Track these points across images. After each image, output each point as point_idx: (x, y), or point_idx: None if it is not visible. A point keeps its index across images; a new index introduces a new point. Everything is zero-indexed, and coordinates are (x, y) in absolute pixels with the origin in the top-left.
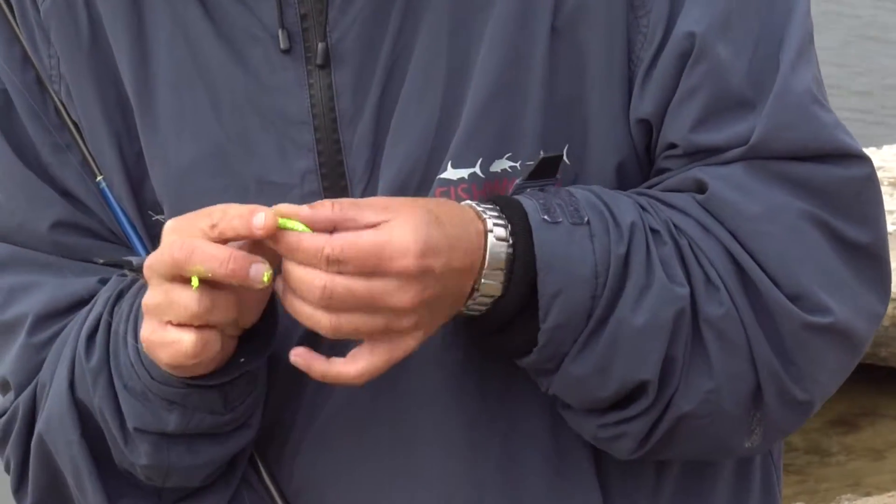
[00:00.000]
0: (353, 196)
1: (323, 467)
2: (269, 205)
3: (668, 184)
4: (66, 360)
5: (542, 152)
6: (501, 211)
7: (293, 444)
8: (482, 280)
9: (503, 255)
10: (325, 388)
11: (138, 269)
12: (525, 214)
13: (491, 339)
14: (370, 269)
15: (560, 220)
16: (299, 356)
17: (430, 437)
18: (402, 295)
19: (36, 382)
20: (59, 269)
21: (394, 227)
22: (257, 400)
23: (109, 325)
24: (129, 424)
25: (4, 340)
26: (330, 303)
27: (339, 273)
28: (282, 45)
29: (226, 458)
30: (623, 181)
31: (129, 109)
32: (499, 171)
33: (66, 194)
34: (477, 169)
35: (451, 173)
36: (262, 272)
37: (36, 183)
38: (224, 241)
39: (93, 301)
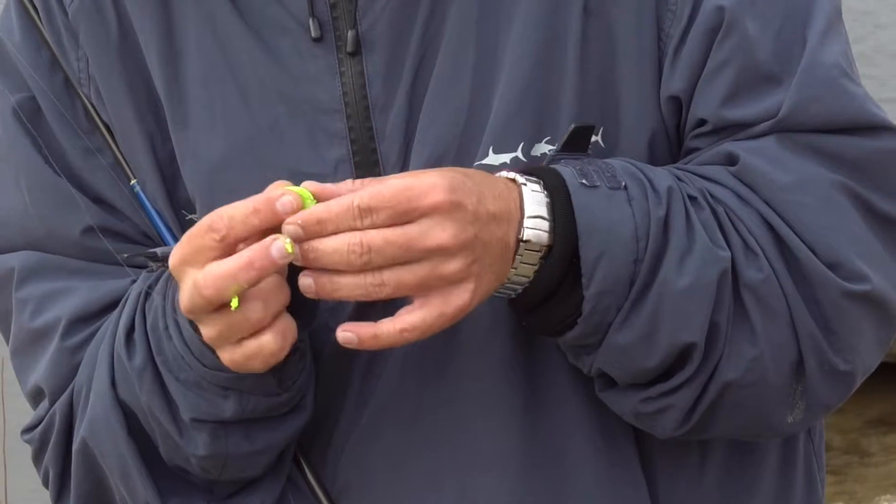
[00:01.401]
0: None
1: (370, 462)
2: None
3: (699, 160)
4: (105, 362)
5: (572, 124)
6: (536, 176)
7: (338, 441)
8: (525, 228)
9: (543, 204)
10: (371, 381)
11: (163, 259)
12: (562, 179)
13: (534, 316)
14: (402, 211)
15: (598, 184)
16: (346, 329)
17: (480, 425)
18: (439, 232)
19: (72, 388)
20: (91, 274)
21: (415, 174)
22: (309, 378)
23: (144, 320)
24: (186, 416)
25: (37, 348)
26: (369, 259)
27: (374, 226)
28: (313, 34)
29: (283, 444)
30: (654, 160)
31: (160, 108)
32: (539, 154)
33: (97, 199)
34: (519, 153)
35: (492, 158)
36: (282, 247)
37: (66, 188)
38: (237, 243)
39: (123, 300)
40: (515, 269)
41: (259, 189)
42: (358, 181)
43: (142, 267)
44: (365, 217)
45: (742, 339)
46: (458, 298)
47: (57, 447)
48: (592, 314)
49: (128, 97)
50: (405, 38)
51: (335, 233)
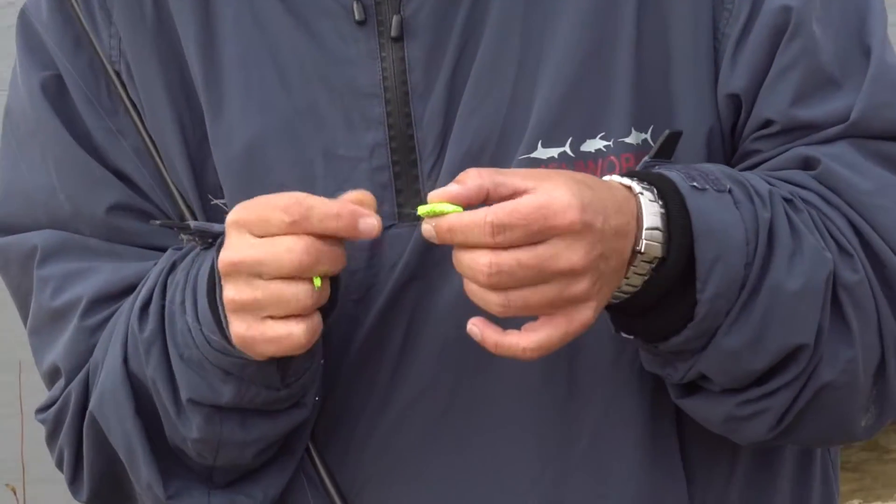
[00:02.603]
0: (422, 171)
1: (395, 457)
2: (337, 179)
3: (772, 164)
4: (120, 335)
5: (667, 130)
6: (645, 181)
7: (362, 434)
8: (643, 241)
9: (658, 215)
10: (402, 374)
11: (196, 232)
12: (672, 184)
13: (637, 322)
14: (536, 230)
15: (706, 187)
16: (475, 325)
17: (515, 421)
18: (570, 254)
19: (88, 367)
20: (114, 255)
21: (548, 188)
22: (313, 378)
23: (163, 295)
24: (184, 395)
25: (56, 327)
26: (499, 279)
27: (506, 243)
28: (357, 17)
29: (277, 437)
30: (711, 157)
31: (192, 92)
32: (592, 150)
33: (121, 177)
34: (567, 148)
35: (540, 152)
36: (371, 224)
37: (92, 166)
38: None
39: (146, 276)
40: (627, 278)
41: (294, 170)
42: (484, 171)
43: (162, 250)
44: (498, 234)
45: (839, 340)
46: (582, 316)
47: (71, 426)
48: (704, 318)
49: (160, 78)
50: (448, 25)
51: (465, 243)
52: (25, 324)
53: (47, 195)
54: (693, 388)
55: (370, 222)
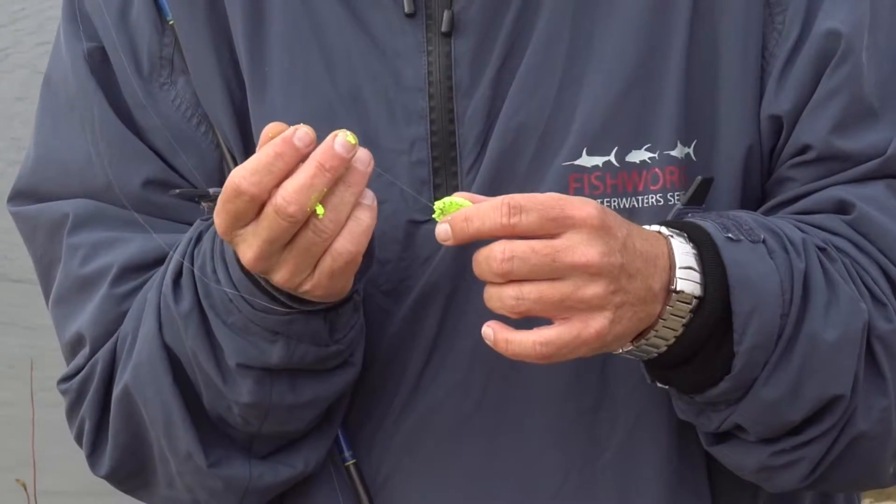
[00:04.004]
0: (461, 168)
1: (420, 452)
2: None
3: (804, 204)
4: (153, 308)
5: (699, 177)
6: (680, 231)
7: (389, 426)
8: (677, 279)
9: (691, 255)
10: (433, 371)
11: (215, 199)
12: (706, 233)
13: (674, 374)
14: (552, 217)
15: (741, 238)
16: (489, 326)
17: (541, 428)
18: (586, 249)
19: (116, 336)
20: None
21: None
22: (360, 335)
23: (193, 266)
24: (231, 361)
25: (84, 295)
26: (511, 266)
27: (521, 226)
28: (406, 10)
29: (328, 399)
30: (748, 175)
31: (240, 70)
32: (637, 161)
33: (157, 153)
34: (612, 157)
35: (584, 160)
36: (343, 140)
37: (131, 139)
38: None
39: (174, 247)
40: (665, 319)
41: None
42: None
43: (190, 198)
44: (514, 215)
45: (874, 389)
46: (597, 323)
47: (96, 396)
48: (742, 370)
49: (211, 53)
50: (497, 23)
51: (481, 229)
52: (46, 297)
53: (83, 165)
54: (725, 435)
55: (301, 133)
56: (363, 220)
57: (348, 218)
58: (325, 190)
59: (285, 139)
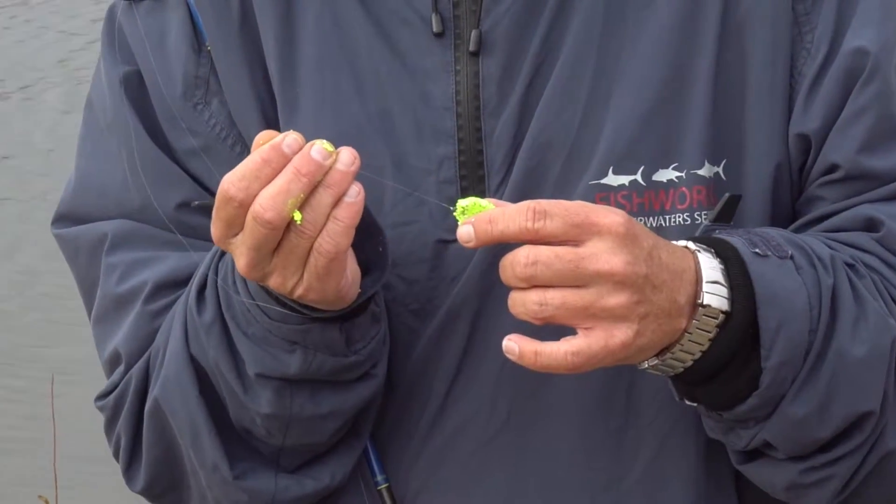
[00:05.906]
0: (489, 186)
1: (449, 468)
2: (407, 188)
3: (833, 222)
4: (180, 321)
5: (727, 194)
6: (707, 247)
7: (418, 442)
8: (704, 293)
9: (718, 270)
10: (460, 389)
11: None
12: (733, 249)
13: (701, 390)
14: (577, 223)
15: (768, 253)
16: (511, 339)
17: (568, 447)
18: (610, 257)
19: (149, 353)
20: (182, 246)
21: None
22: (380, 345)
23: (217, 278)
24: (251, 371)
25: (120, 313)
26: (534, 270)
27: (545, 231)
28: (434, 29)
29: (350, 412)
30: (777, 194)
31: (274, 92)
32: (664, 181)
33: (192, 176)
34: (638, 177)
35: (611, 179)
36: (320, 148)
37: (165, 162)
38: None
39: (203, 264)
40: (690, 333)
41: (361, 176)
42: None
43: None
44: (538, 219)
45: None
46: (622, 333)
47: (131, 412)
48: (770, 386)
49: (246, 74)
50: (525, 43)
51: (504, 232)
52: (89, 315)
53: (119, 187)
54: (755, 453)
55: (289, 139)
56: (342, 220)
57: (328, 218)
58: (303, 196)
59: (274, 146)
